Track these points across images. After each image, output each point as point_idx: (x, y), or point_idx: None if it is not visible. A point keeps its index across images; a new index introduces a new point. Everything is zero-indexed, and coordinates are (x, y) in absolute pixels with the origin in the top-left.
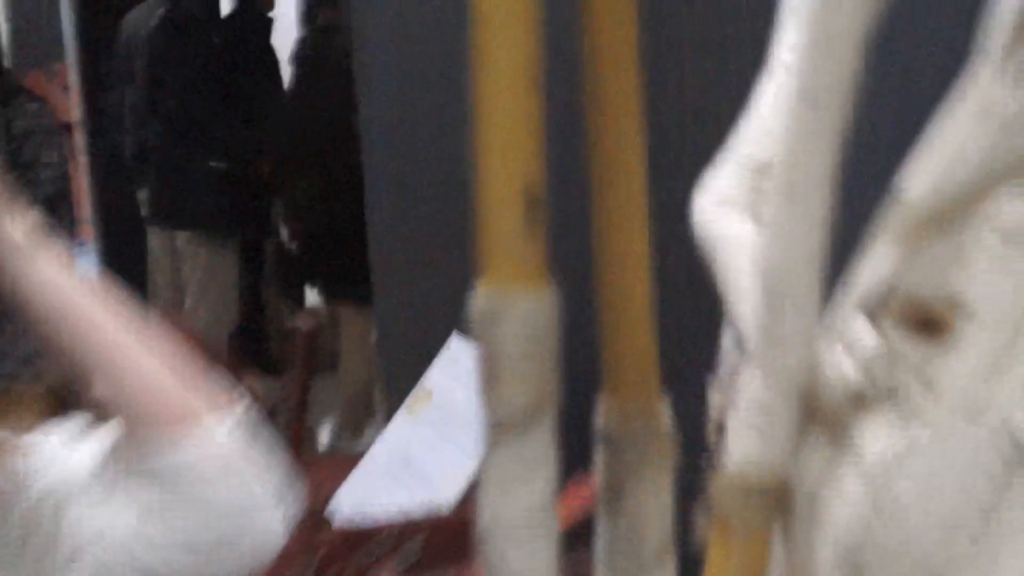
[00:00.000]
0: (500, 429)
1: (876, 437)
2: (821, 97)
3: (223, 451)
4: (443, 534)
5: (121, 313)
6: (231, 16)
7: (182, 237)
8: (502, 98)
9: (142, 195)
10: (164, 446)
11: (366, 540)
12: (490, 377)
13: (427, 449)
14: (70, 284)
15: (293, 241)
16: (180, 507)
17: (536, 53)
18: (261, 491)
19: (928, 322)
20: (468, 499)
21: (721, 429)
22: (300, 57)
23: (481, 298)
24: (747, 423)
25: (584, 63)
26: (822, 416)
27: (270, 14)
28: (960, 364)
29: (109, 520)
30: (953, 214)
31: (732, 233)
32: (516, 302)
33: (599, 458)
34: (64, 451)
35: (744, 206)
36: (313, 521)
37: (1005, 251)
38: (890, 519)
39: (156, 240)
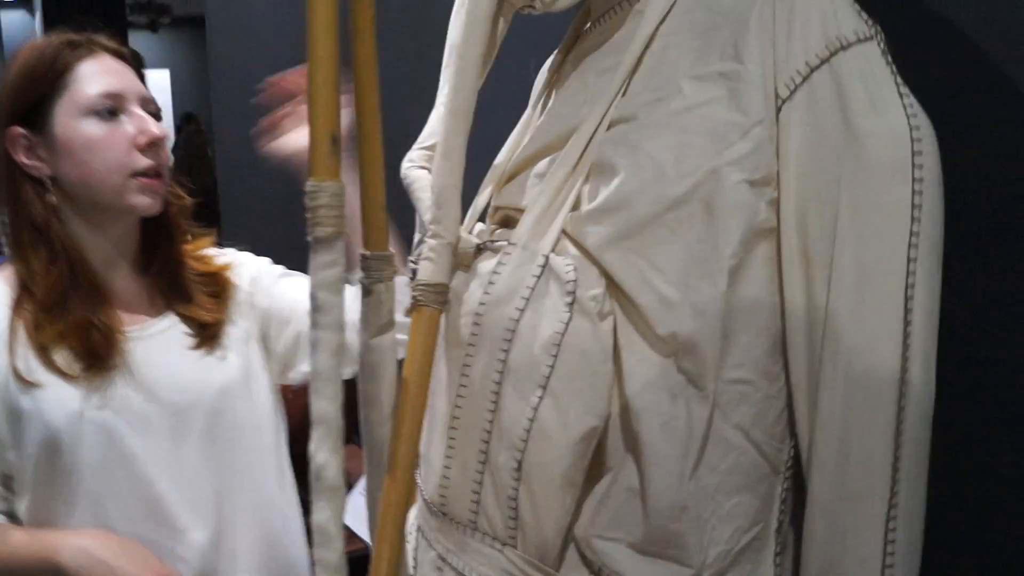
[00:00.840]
0: (316, 242)
1: (485, 265)
2: (459, 108)
3: None
4: None
5: None
6: None
7: None
8: (320, 89)
9: None
10: None
11: None
12: (310, 223)
13: None
14: None
15: None
16: None
17: (334, 68)
18: None
19: (508, 220)
20: None
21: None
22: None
23: (310, 185)
24: (427, 259)
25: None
26: (461, 257)
27: None
28: (521, 230)
29: None
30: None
31: (418, 175)
32: (324, 187)
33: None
34: None
35: (422, 163)
36: None
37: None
38: (492, 300)
39: None
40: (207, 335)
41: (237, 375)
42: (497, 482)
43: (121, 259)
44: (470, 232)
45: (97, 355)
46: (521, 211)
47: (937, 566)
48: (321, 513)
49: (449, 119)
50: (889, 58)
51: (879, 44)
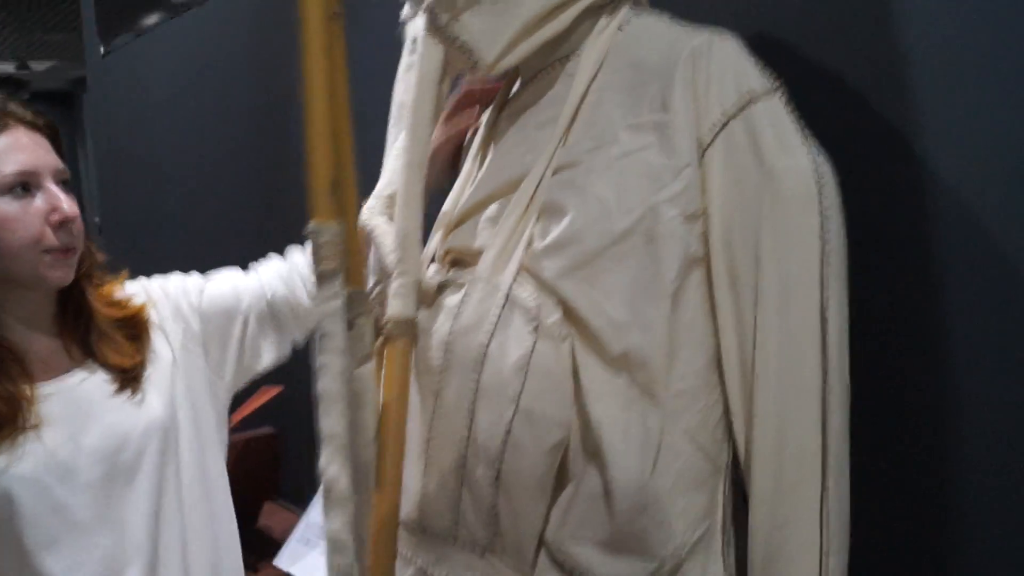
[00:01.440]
0: (321, 276)
1: (451, 299)
2: (416, 160)
3: None
4: None
5: None
6: None
7: None
8: (318, 139)
9: None
10: None
11: None
12: (314, 260)
13: None
14: None
15: None
16: None
17: (329, 120)
18: None
19: (459, 260)
20: None
21: (383, 301)
22: None
23: (312, 226)
24: (395, 297)
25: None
26: (425, 294)
27: None
28: (482, 267)
29: None
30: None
31: (378, 222)
32: (325, 227)
33: None
34: None
35: (381, 211)
36: None
37: (488, 228)
38: (460, 329)
39: None
40: (127, 378)
41: (162, 413)
42: (476, 494)
43: (38, 321)
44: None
45: (5, 421)
46: (473, 252)
47: (862, 546)
48: (333, 523)
49: (407, 170)
50: (790, 108)
51: (782, 96)
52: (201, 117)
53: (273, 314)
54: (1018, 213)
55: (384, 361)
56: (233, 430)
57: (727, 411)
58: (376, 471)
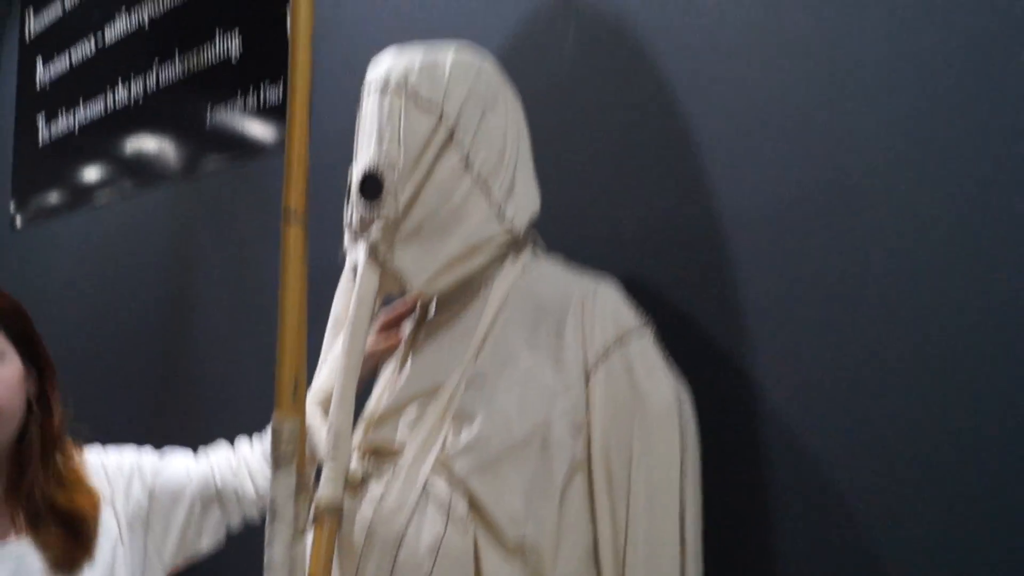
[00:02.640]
0: (278, 460)
1: (374, 488)
2: (351, 367)
3: None
4: None
5: None
6: None
7: None
8: (288, 337)
9: None
10: None
11: None
12: (274, 446)
13: None
14: None
15: None
16: None
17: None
18: None
19: (380, 451)
20: None
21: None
22: None
23: (275, 420)
24: (326, 484)
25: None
26: (351, 482)
27: None
28: (403, 462)
29: None
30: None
31: (315, 423)
32: (287, 422)
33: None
34: None
35: (319, 404)
36: None
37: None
38: (382, 515)
39: None
40: (62, 565)
41: None
42: None
43: None
44: None
45: None
46: (393, 447)
47: None
48: None
49: (344, 375)
50: (656, 341)
51: (651, 332)
52: (104, 304)
53: (220, 500)
54: None
55: (313, 538)
56: None
57: None
58: None
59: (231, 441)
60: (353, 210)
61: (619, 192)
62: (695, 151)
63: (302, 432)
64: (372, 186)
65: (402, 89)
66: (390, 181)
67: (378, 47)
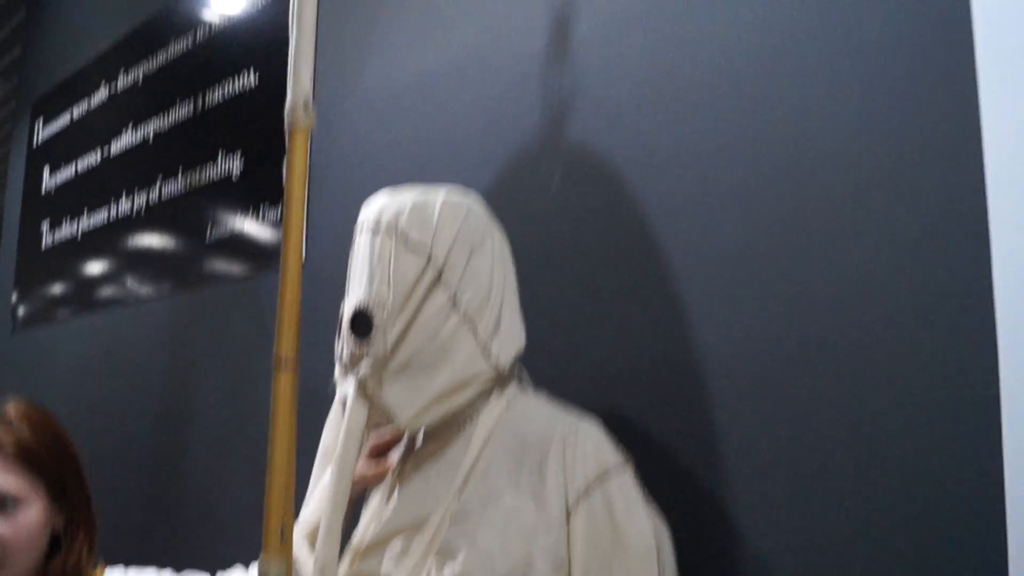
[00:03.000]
0: None
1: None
2: (339, 499)
3: None
4: None
5: None
6: None
7: None
8: (276, 483)
9: None
10: None
11: None
12: None
13: None
14: None
15: None
16: None
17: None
18: None
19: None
20: None
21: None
22: None
23: (262, 560)
24: (317, 565)
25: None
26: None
27: None
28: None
29: None
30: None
31: (302, 555)
32: (273, 562)
33: None
34: None
35: (307, 536)
36: None
37: (393, 560)
38: None
39: None
40: None
41: None
42: None
43: None
44: None
45: None
46: None
47: None
48: None
49: (331, 509)
50: (636, 479)
51: (631, 469)
52: (98, 415)
53: None
54: None
55: None
56: None
57: None
58: None
59: (223, 566)
60: (344, 344)
61: (604, 329)
62: (679, 291)
63: (289, 574)
64: (362, 323)
65: (393, 230)
66: (379, 319)
67: (372, 188)
